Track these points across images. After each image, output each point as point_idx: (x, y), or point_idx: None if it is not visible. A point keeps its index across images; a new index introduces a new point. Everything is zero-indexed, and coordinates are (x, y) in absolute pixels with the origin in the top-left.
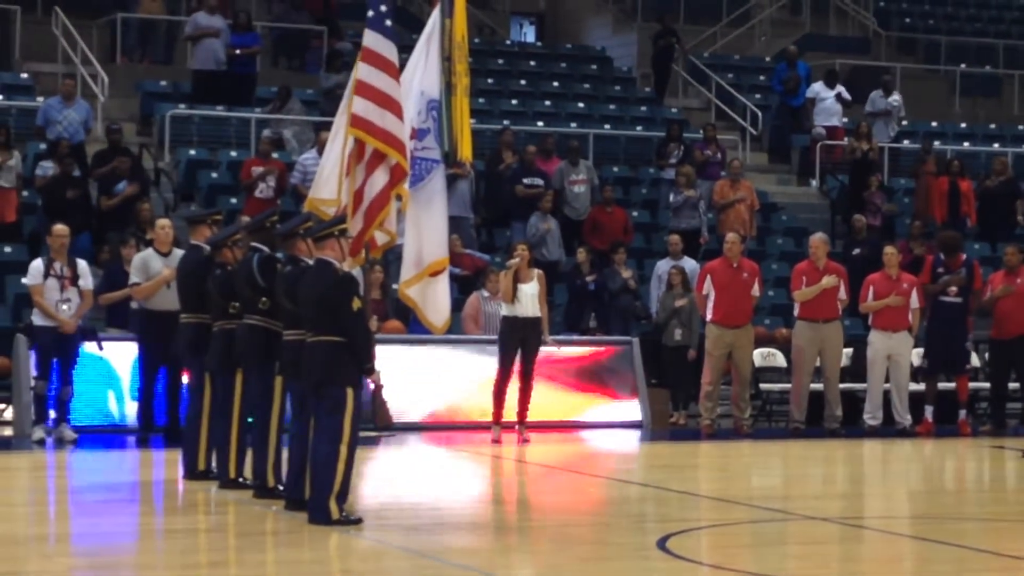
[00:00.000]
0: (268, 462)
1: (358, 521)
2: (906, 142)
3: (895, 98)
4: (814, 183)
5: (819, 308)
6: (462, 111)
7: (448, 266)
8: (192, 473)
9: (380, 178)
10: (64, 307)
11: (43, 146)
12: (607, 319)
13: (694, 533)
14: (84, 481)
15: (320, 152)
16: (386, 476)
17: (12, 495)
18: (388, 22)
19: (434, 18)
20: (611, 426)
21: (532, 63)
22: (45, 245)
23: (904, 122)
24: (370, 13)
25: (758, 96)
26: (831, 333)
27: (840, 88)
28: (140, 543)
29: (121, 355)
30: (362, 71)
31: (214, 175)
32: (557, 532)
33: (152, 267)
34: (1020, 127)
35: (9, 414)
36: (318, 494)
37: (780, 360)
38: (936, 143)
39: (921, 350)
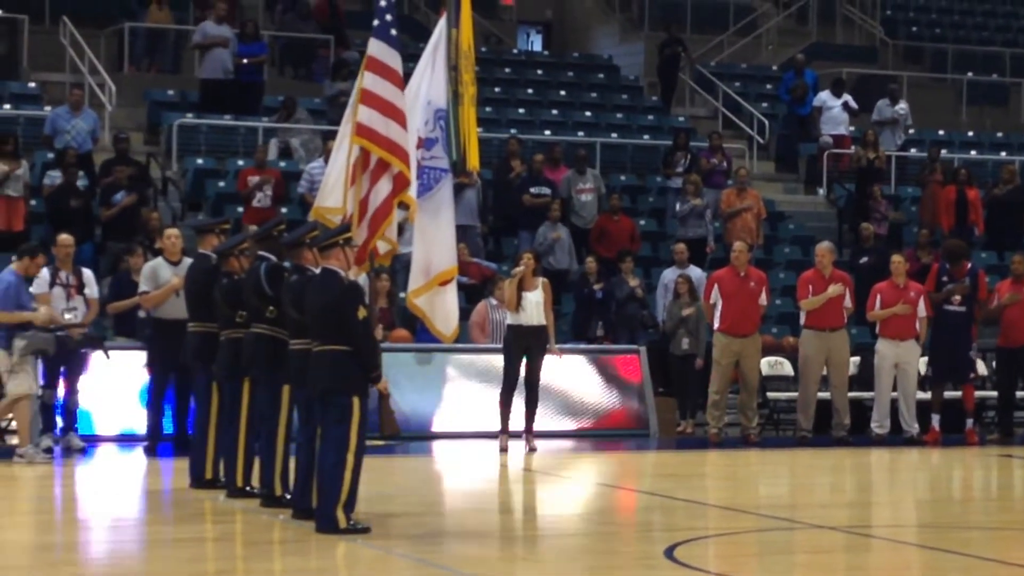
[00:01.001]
0: (276, 471)
1: (365, 530)
2: (913, 151)
3: (902, 106)
4: (821, 192)
5: (825, 317)
6: (469, 120)
7: (457, 275)
8: (199, 482)
9: (384, 187)
10: (70, 316)
11: (51, 155)
12: (614, 328)
13: (701, 542)
14: (91, 490)
15: (327, 161)
16: (393, 485)
17: (18, 504)
18: (393, 31)
19: (440, 27)
20: (618, 435)
21: (539, 72)
22: (51, 254)
23: (911, 131)
24: (376, 22)
25: (765, 105)
26: (837, 342)
27: (847, 97)
28: (147, 552)
29: (128, 364)
30: (367, 80)
31: (221, 184)
32: (564, 541)
33: (161, 276)
34: None
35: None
36: (325, 503)
37: (787, 369)
38: (943, 151)
39: (926, 359)
